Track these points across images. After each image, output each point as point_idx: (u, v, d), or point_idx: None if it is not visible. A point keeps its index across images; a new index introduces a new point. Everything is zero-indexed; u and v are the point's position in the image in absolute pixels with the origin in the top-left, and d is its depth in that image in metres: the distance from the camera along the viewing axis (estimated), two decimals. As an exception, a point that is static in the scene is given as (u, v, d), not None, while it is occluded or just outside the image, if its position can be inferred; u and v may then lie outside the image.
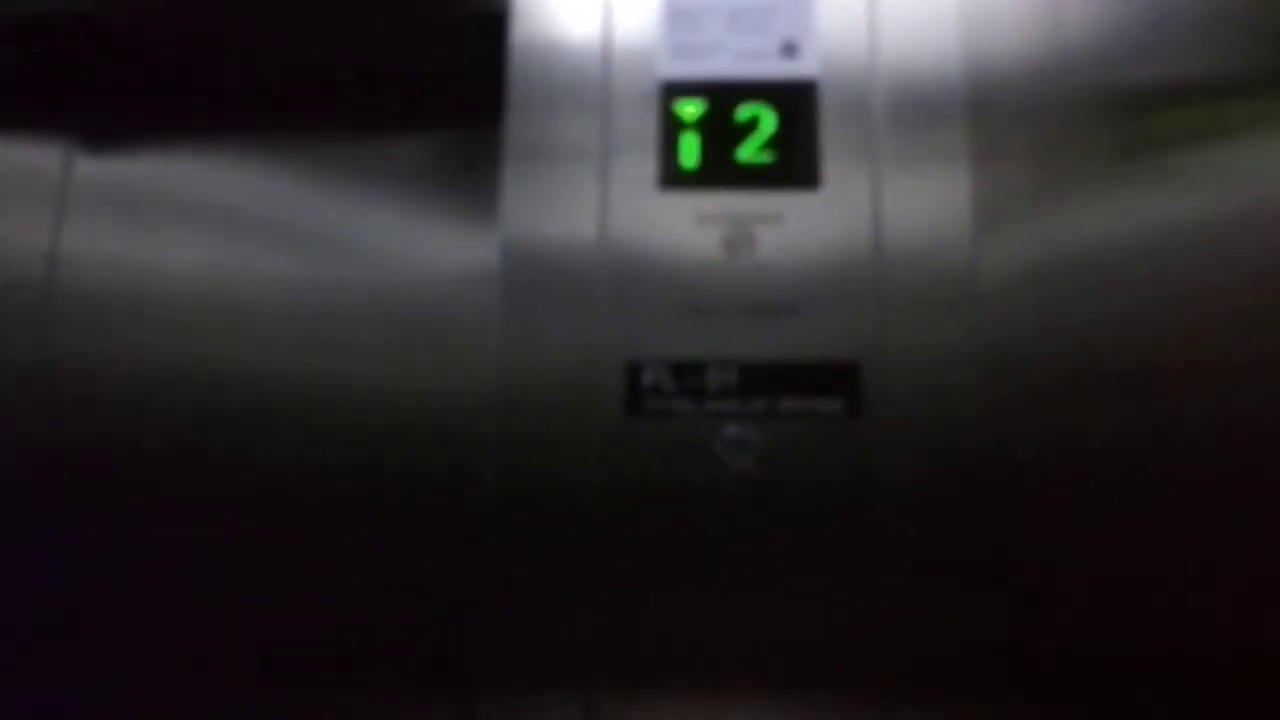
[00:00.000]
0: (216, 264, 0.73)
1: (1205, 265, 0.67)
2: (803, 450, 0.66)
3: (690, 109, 0.71)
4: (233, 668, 0.66)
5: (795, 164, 0.70)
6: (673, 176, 0.70)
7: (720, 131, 0.71)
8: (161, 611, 0.67)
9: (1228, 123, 0.70)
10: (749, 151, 0.71)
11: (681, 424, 0.67)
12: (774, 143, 0.71)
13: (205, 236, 0.74)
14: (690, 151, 0.71)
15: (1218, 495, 0.64)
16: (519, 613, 0.65)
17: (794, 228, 0.69)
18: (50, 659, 0.67)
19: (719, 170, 0.70)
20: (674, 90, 0.71)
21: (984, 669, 0.63)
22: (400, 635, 0.67)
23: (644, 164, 0.71)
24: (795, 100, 0.71)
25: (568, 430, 0.66)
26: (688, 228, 0.69)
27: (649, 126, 0.71)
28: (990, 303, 0.68)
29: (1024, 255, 0.69)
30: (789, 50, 0.72)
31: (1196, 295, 0.67)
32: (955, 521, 0.65)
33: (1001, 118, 0.71)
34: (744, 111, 0.71)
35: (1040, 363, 0.67)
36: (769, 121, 0.71)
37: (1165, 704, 0.63)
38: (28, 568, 0.68)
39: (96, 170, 0.75)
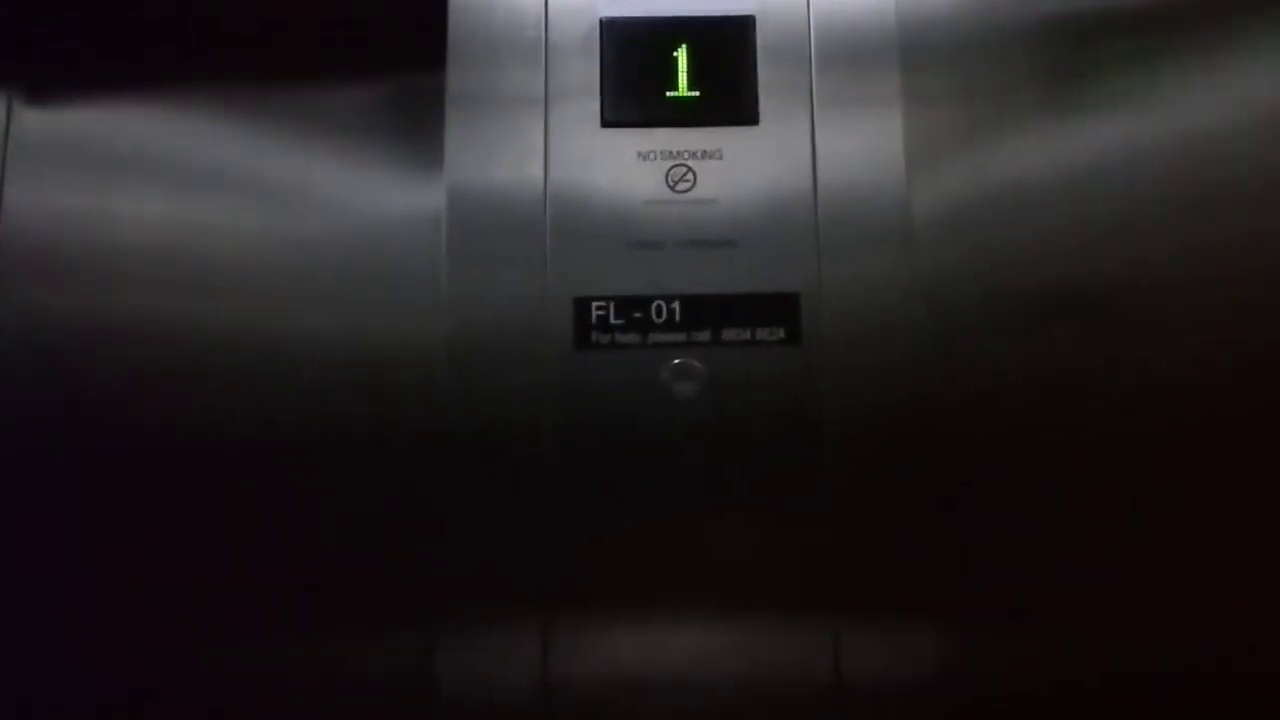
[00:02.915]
0: (166, 216, 0.73)
1: (1137, 194, 0.69)
2: (745, 378, 0.69)
3: (630, 47, 0.72)
4: (185, 615, 0.67)
5: (734, 100, 0.72)
6: (614, 116, 0.72)
7: (660, 69, 0.72)
8: (115, 565, 0.68)
9: (1154, 51, 0.71)
10: (688, 88, 0.72)
11: (628, 356, 0.69)
12: (714, 79, 0.72)
13: (154, 189, 0.74)
14: (631, 90, 0.72)
15: (1151, 422, 0.67)
16: (476, 547, 0.67)
17: (733, 164, 0.71)
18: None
19: (659, 108, 0.72)
20: (613, 28, 0.72)
21: (926, 590, 0.67)
22: (361, 577, 0.68)
23: (586, 104, 0.72)
24: (734, 36, 0.72)
25: (519, 366, 0.69)
26: (630, 165, 0.71)
27: (590, 66, 0.72)
28: (924, 234, 0.70)
29: (957, 190, 0.71)
30: (725, -14, 0.73)
31: (1129, 225, 0.69)
32: (892, 443, 0.68)
33: (933, 55, 0.72)
34: (683, 48, 0.72)
35: (973, 291, 0.70)
36: (709, 58, 0.72)
37: (1112, 624, 0.67)
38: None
39: (38, 121, 0.74)
